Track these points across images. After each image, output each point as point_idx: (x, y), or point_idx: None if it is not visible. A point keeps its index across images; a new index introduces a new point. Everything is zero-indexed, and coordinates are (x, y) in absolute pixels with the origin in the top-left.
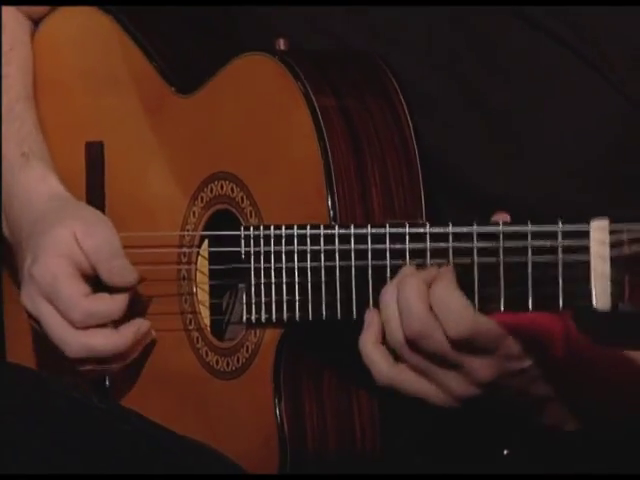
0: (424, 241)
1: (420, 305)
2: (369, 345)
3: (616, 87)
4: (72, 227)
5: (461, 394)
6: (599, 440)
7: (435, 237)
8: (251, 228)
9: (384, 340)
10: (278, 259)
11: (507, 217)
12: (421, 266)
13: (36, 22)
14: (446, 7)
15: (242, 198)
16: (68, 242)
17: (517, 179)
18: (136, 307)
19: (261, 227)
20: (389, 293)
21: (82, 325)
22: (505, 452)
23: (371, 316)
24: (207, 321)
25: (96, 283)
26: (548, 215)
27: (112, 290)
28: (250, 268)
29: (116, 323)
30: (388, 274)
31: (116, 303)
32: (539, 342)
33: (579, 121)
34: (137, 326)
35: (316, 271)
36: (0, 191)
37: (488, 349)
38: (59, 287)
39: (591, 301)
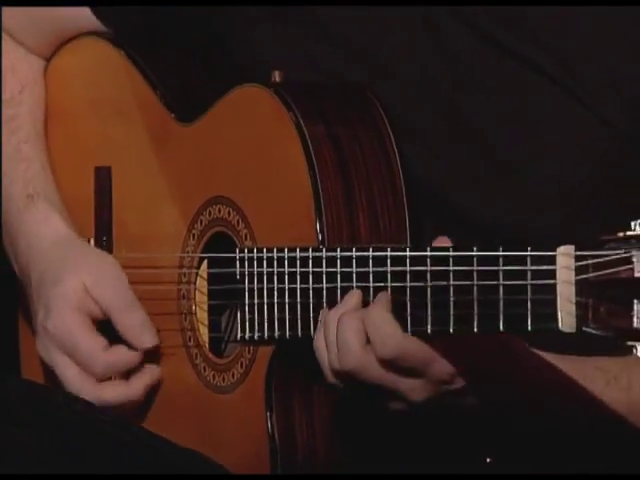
0: (404, 264)
1: (355, 343)
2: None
3: (596, 114)
4: (80, 277)
5: (397, 409)
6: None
7: (415, 260)
8: (246, 250)
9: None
10: (270, 280)
11: (447, 240)
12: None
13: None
14: (435, 41)
15: (238, 221)
16: (78, 294)
17: (500, 203)
18: None
19: (255, 249)
20: (329, 322)
21: (103, 377)
22: (488, 460)
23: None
24: (206, 338)
25: (107, 328)
26: (531, 237)
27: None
28: (245, 289)
29: (128, 374)
30: (371, 296)
31: (135, 354)
32: (493, 354)
33: (560, 148)
34: (149, 377)
35: (305, 292)
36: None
37: (416, 371)
38: (76, 341)
39: (557, 323)
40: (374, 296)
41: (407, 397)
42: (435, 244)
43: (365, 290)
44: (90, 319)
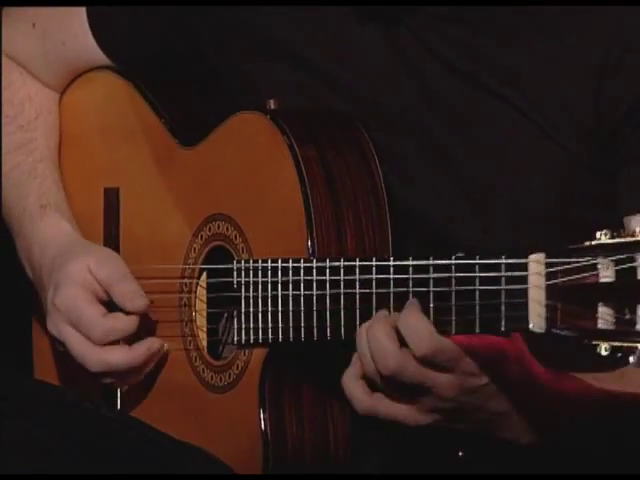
0: (388, 273)
1: (390, 345)
2: (351, 381)
3: (559, 144)
4: (85, 261)
5: (430, 411)
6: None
7: (397, 269)
8: (242, 262)
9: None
10: (265, 289)
11: None
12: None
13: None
14: (415, 80)
15: (235, 236)
16: (83, 273)
17: (473, 223)
18: (145, 329)
19: (251, 260)
20: (361, 335)
21: (102, 341)
22: (460, 454)
23: (355, 356)
24: (204, 343)
25: (110, 306)
26: (497, 247)
27: (125, 312)
28: (241, 297)
29: (130, 342)
30: (357, 303)
31: (130, 320)
32: (492, 361)
33: (528, 173)
34: (149, 344)
35: (297, 299)
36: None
37: (449, 366)
38: (80, 311)
39: (528, 325)
40: (360, 301)
41: (443, 394)
42: None
43: (351, 296)
44: (92, 294)
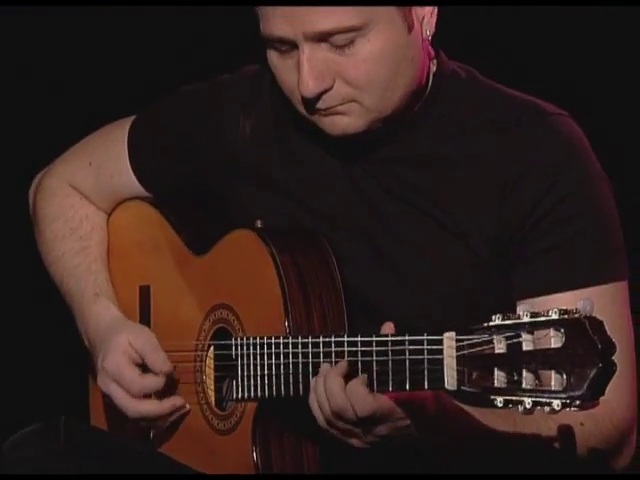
0: (343, 346)
1: (340, 391)
2: (314, 409)
3: (469, 248)
4: (126, 335)
5: (368, 443)
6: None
7: (350, 343)
8: (239, 339)
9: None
10: (255, 359)
11: (392, 326)
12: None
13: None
14: (364, 204)
15: (234, 320)
16: (125, 344)
17: (406, 305)
18: (169, 388)
19: (245, 338)
20: (318, 382)
21: (139, 395)
22: None
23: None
24: (212, 398)
25: (145, 369)
26: (427, 326)
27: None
28: (238, 365)
29: (160, 397)
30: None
31: (159, 379)
32: (415, 404)
33: (446, 269)
34: (174, 401)
35: (277, 366)
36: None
37: (383, 418)
38: (122, 372)
39: (444, 384)
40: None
41: (373, 434)
42: (383, 328)
43: (316, 364)
44: (131, 360)
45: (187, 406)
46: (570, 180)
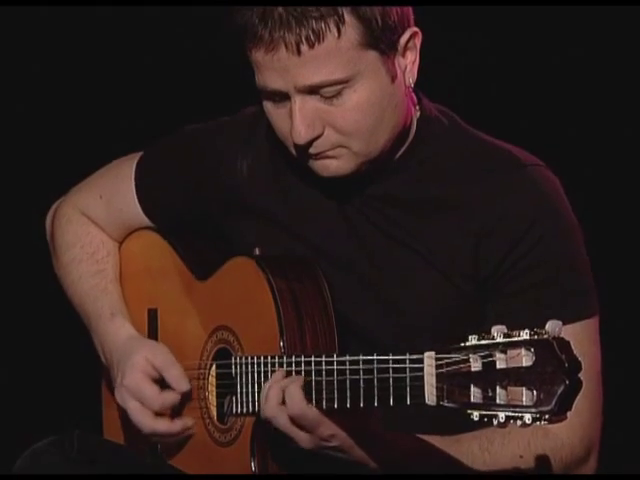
0: (333, 365)
1: (274, 400)
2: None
3: (449, 280)
4: (144, 353)
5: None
6: None
7: (339, 363)
8: (238, 358)
9: None
10: (253, 376)
11: None
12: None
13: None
14: (354, 238)
15: (233, 340)
16: (142, 362)
17: (390, 329)
18: (179, 405)
19: (244, 357)
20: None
21: (160, 410)
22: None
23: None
24: (214, 413)
25: (161, 384)
26: (406, 347)
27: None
28: (237, 382)
29: (172, 416)
30: (313, 385)
31: (176, 396)
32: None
33: (427, 298)
34: (185, 421)
35: None
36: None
37: (307, 427)
38: (142, 390)
39: (425, 399)
40: (315, 385)
41: (300, 443)
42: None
43: (308, 383)
44: (150, 377)
45: (193, 429)
46: (543, 227)
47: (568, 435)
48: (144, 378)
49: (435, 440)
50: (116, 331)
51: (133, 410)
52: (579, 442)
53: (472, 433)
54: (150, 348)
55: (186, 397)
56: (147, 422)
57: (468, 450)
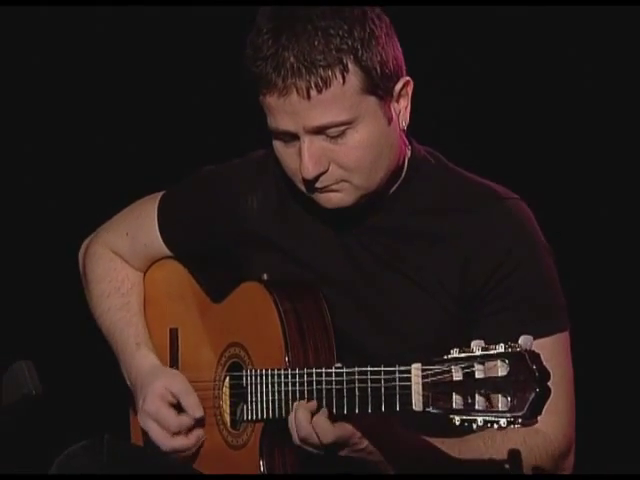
0: (331, 376)
1: (306, 424)
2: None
3: (439, 303)
4: (163, 381)
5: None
6: None
7: (337, 374)
8: (249, 371)
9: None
10: (262, 387)
11: None
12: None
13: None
14: (351, 263)
15: (244, 355)
16: (162, 389)
17: (382, 344)
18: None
19: (254, 370)
20: (292, 414)
21: (177, 432)
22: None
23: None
24: (228, 419)
25: (178, 407)
26: (400, 359)
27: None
28: (248, 392)
29: (187, 432)
30: (314, 395)
31: (192, 418)
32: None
33: (418, 318)
34: (198, 434)
35: (280, 394)
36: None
37: (344, 443)
38: (161, 414)
39: (412, 406)
40: (317, 394)
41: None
42: None
43: (310, 392)
44: (167, 402)
45: (203, 433)
46: (519, 255)
47: (554, 432)
48: (162, 403)
49: (441, 440)
50: (140, 360)
51: (153, 431)
52: (563, 438)
53: (476, 433)
54: (169, 377)
55: (200, 419)
56: (166, 442)
57: (475, 446)
